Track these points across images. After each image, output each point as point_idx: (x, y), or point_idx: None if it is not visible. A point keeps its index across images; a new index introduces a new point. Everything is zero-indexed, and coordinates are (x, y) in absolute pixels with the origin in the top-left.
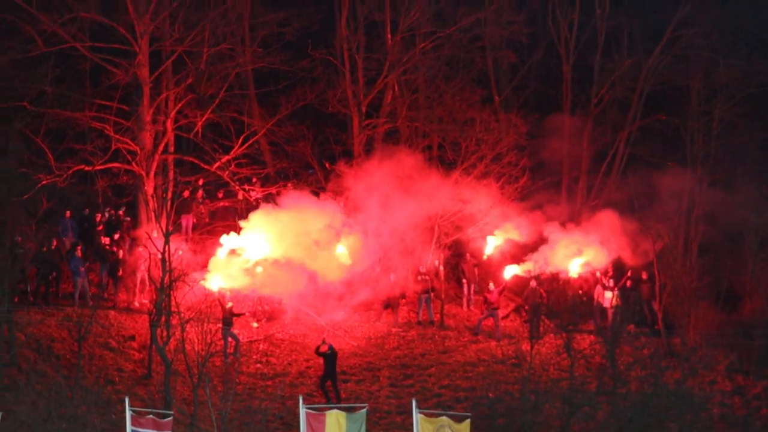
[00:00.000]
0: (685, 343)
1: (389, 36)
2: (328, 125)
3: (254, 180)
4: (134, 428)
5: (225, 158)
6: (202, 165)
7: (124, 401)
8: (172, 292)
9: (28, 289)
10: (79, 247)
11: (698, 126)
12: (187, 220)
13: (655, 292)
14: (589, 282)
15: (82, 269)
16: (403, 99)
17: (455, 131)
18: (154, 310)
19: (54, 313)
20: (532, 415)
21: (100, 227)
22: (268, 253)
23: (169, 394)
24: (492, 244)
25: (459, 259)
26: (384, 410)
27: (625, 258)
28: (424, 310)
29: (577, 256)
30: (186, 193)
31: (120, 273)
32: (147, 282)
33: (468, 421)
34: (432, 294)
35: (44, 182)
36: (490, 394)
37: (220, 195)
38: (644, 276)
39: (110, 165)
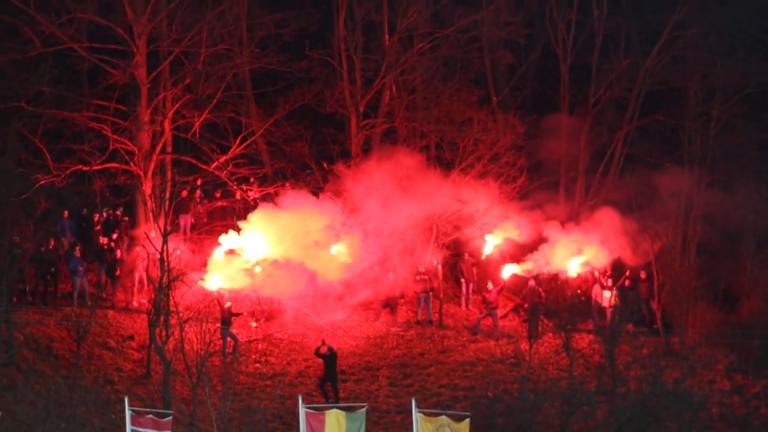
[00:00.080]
0: (684, 342)
1: (387, 36)
2: (326, 125)
3: (252, 180)
4: (134, 428)
5: (223, 158)
6: (200, 165)
7: (123, 401)
8: (170, 291)
9: (27, 289)
10: (77, 247)
11: (696, 126)
12: (185, 220)
13: (654, 292)
14: (587, 281)
15: (81, 269)
16: (400, 99)
17: (453, 131)
18: (152, 310)
19: (53, 313)
20: (531, 414)
21: (98, 227)
22: (267, 253)
23: (169, 393)
24: (491, 244)
25: (458, 258)
26: (383, 410)
27: (625, 258)
28: (423, 309)
29: (577, 255)
30: (184, 193)
31: (118, 273)
32: (145, 282)
33: (467, 420)
34: (431, 293)
35: (42, 182)
36: (489, 394)
37: (218, 195)
38: (643, 275)
39: (108, 165)
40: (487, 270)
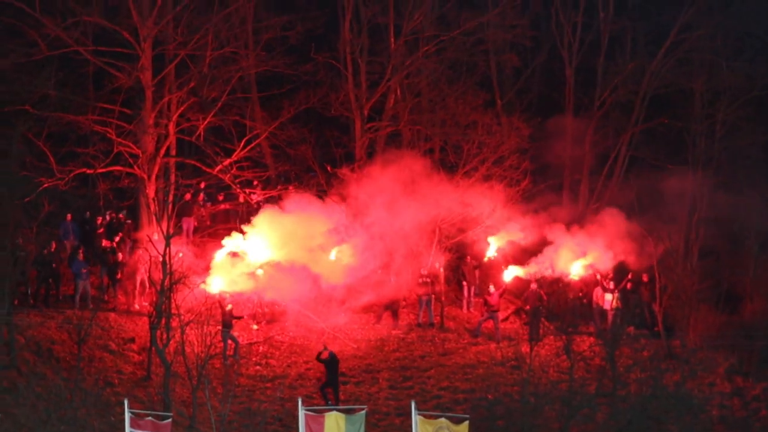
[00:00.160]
0: (685, 345)
1: (392, 39)
2: (331, 128)
3: (256, 183)
4: (133, 430)
5: (227, 161)
6: (203, 168)
7: (123, 403)
8: (172, 294)
9: (29, 291)
10: (81, 250)
11: (701, 129)
12: (188, 223)
13: (656, 294)
14: (589, 284)
15: (84, 271)
16: (405, 102)
17: (457, 134)
18: (154, 313)
19: (54, 316)
20: (531, 417)
21: (101, 230)
22: (270, 256)
23: (169, 396)
24: (493, 246)
25: (460, 261)
26: (383, 412)
27: (630, 261)
28: (425, 312)
29: (582, 258)
30: (187, 196)
31: (119, 276)
32: (147, 284)
33: (467, 422)
34: (433, 297)
35: (46, 185)
36: (490, 396)
37: (221, 198)
38: (644, 278)
39: (112, 168)
40: (488, 273)
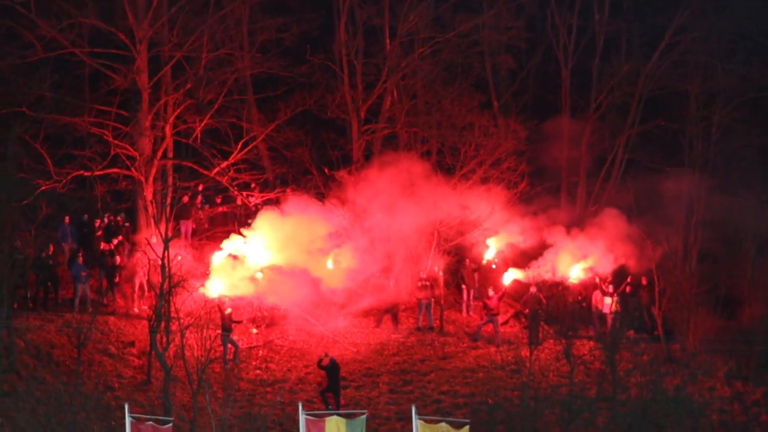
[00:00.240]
0: (685, 349)
1: (388, 41)
2: (327, 131)
3: (253, 185)
4: None
5: (224, 164)
6: (201, 170)
7: (123, 407)
8: (171, 298)
9: (28, 295)
10: (80, 253)
11: (697, 131)
12: (186, 226)
13: (655, 298)
14: (588, 288)
15: (84, 274)
16: (401, 104)
17: (454, 136)
18: (153, 316)
19: (53, 319)
20: (531, 421)
21: (99, 233)
22: (270, 260)
23: (169, 400)
24: (492, 249)
25: (459, 264)
26: (383, 416)
27: (630, 265)
28: (424, 315)
29: (582, 261)
30: (185, 199)
31: (117, 279)
32: (146, 288)
33: (467, 427)
34: (432, 300)
35: (43, 188)
36: (490, 400)
37: (219, 200)
38: (644, 282)
39: (109, 170)
40: (488, 276)
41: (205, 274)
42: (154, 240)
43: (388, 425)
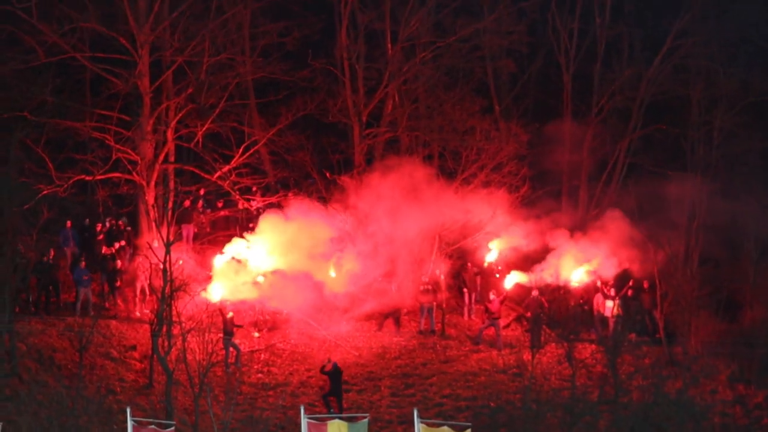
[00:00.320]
0: (687, 352)
1: (389, 46)
2: (329, 135)
3: (255, 189)
4: None
5: (225, 168)
6: (202, 174)
7: (125, 411)
8: (173, 301)
9: (30, 299)
10: (83, 257)
11: (699, 135)
12: (188, 230)
13: (657, 301)
14: (589, 291)
15: (86, 278)
16: (403, 108)
17: (455, 140)
18: (155, 320)
19: (55, 323)
20: (533, 424)
21: (101, 237)
22: (273, 264)
23: (171, 404)
24: (494, 252)
25: (461, 268)
26: (385, 420)
27: (634, 269)
28: (426, 319)
29: (585, 264)
30: (187, 203)
31: (118, 283)
32: (147, 291)
33: (469, 430)
34: (434, 304)
35: (45, 192)
36: (492, 404)
37: (220, 204)
38: (645, 285)
39: (111, 175)
40: (489, 280)
41: (207, 278)
42: (155, 244)
43: (390, 428)
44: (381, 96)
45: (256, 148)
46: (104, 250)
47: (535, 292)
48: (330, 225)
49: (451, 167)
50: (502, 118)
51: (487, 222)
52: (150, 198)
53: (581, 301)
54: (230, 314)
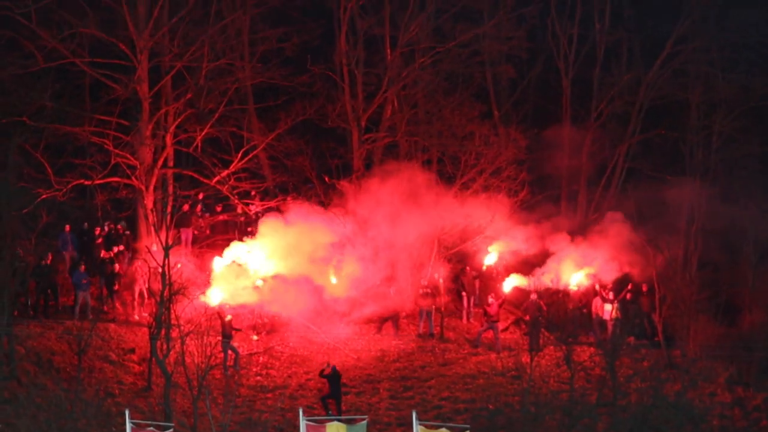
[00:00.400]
0: (685, 355)
1: (388, 51)
2: (328, 140)
3: (253, 194)
4: None
5: (224, 172)
6: (201, 179)
7: (124, 414)
8: (171, 305)
9: (29, 302)
10: (83, 261)
11: (698, 140)
12: (187, 234)
13: (655, 305)
14: (588, 294)
15: (85, 282)
16: (402, 113)
17: (455, 145)
18: (153, 323)
19: (54, 327)
20: (532, 427)
21: (99, 241)
22: (273, 268)
23: (169, 406)
24: (493, 255)
25: (461, 271)
26: (384, 422)
27: (634, 274)
28: (425, 322)
29: (586, 267)
30: (185, 207)
31: (117, 287)
32: (146, 295)
33: None
34: (433, 307)
35: (44, 196)
36: (490, 406)
37: (219, 209)
38: (644, 288)
39: (110, 179)
40: (488, 283)
41: (206, 282)
42: (154, 248)
43: (389, 431)
44: (380, 101)
45: (255, 152)
46: (103, 254)
47: (533, 296)
48: (330, 229)
49: (450, 172)
50: (501, 124)
51: (486, 226)
52: (149, 202)
53: (580, 304)
54: (229, 317)
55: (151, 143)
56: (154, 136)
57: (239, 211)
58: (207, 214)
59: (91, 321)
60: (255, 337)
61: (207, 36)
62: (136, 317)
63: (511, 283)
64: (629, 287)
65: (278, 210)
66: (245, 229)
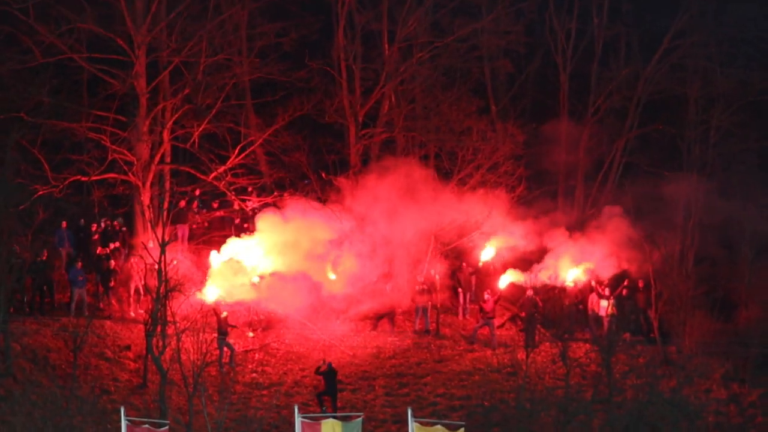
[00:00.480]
0: (681, 351)
1: (386, 46)
2: (325, 135)
3: (250, 190)
4: None
5: (221, 168)
6: (198, 175)
7: (119, 411)
8: (167, 301)
9: (24, 299)
10: (79, 258)
11: (695, 135)
12: (183, 230)
13: (651, 301)
14: (584, 291)
15: (81, 279)
16: (400, 109)
17: (452, 141)
18: (149, 320)
19: (49, 324)
20: (527, 423)
21: (96, 237)
22: (271, 265)
23: (165, 403)
24: (490, 251)
25: (457, 268)
26: (379, 419)
27: (632, 270)
28: (421, 319)
29: (584, 263)
30: (182, 203)
31: (112, 284)
32: (142, 291)
33: (463, 429)
34: (429, 304)
35: (40, 192)
36: (486, 403)
37: (216, 205)
38: (640, 284)
39: (107, 175)
40: (484, 280)
41: (203, 279)
42: (150, 244)
43: (384, 428)
44: (377, 96)
45: (252, 148)
46: (99, 250)
47: (529, 292)
48: (328, 225)
49: (448, 167)
50: (498, 119)
51: (483, 222)
52: (146, 198)
53: (576, 300)
54: (224, 314)
55: (148, 139)
56: (151, 131)
57: (236, 207)
58: (204, 210)
59: (86, 318)
60: (251, 334)
61: (205, 31)
62: (132, 314)
63: (507, 279)
64: (625, 283)
65: (275, 206)
66: (242, 225)
